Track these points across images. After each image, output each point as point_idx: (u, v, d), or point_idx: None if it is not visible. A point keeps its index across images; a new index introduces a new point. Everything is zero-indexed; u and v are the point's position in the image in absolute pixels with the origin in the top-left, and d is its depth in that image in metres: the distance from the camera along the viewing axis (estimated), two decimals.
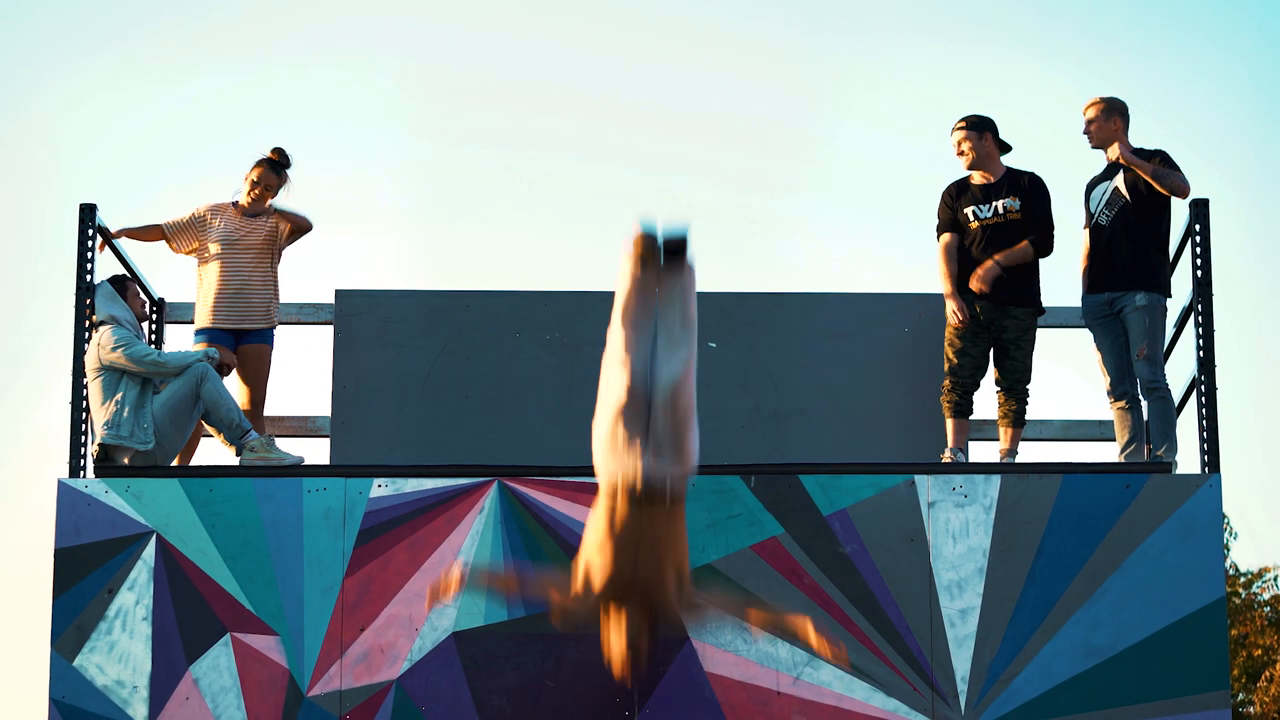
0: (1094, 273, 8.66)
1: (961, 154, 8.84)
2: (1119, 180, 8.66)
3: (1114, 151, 8.73)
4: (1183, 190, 8.51)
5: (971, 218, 8.79)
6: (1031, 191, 8.75)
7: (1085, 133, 8.81)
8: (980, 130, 8.83)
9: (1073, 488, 7.94)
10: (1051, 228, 8.75)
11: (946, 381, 8.65)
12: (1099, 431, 9.34)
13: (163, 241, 9.17)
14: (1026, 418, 8.75)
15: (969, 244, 8.78)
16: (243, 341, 9.07)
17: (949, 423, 8.65)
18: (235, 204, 9.19)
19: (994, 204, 8.74)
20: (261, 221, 9.17)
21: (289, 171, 9.24)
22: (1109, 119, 8.76)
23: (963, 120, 8.86)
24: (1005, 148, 8.85)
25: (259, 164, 9.19)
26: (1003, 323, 8.67)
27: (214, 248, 9.05)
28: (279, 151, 9.21)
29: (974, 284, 8.62)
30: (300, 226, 9.17)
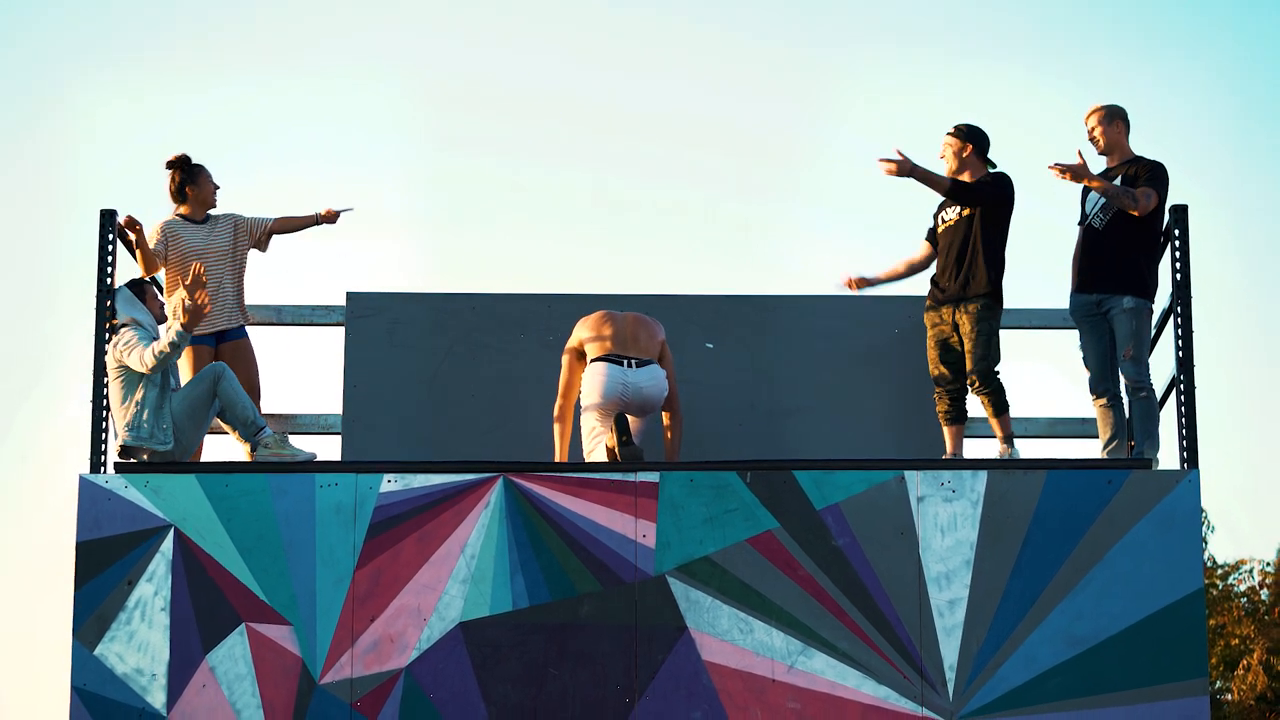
0: (1084, 273, 8.66)
1: (941, 158, 8.84)
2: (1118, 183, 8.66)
3: (1111, 160, 8.73)
4: (1134, 209, 8.48)
5: (939, 223, 8.84)
6: (986, 180, 8.73)
7: (1090, 139, 8.78)
8: (963, 140, 8.83)
9: (1057, 483, 7.94)
10: (974, 190, 8.69)
11: (936, 391, 8.67)
12: (1082, 429, 9.35)
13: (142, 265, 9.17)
14: (1011, 410, 8.74)
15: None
16: (222, 341, 9.09)
17: (945, 430, 8.67)
18: (181, 216, 9.17)
19: (953, 207, 8.75)
20: (219, 228, 9.18)
21: (197, 166, 9.25)
22: (1111, 124, 8.75)
23: (952, 128, 8.86)
24: (989, 164, 8.83)
25: (174, 175, 9.18)
26: (956, 319, 8.67)
27: (181, 262, 9.03)
28: (182, 158, 9.21)
29: (884, 168, 8.66)
30: (288, 227, 9.24)
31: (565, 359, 8.75)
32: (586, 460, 8.59)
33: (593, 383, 8.56)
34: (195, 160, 9.22)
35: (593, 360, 8.62)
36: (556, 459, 8.72)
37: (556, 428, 8.76)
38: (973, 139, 8.81)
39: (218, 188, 9.24)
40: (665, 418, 8.78)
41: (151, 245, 8.99)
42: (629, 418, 8.55)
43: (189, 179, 9.18)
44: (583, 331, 8.71)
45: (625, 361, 8.57)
